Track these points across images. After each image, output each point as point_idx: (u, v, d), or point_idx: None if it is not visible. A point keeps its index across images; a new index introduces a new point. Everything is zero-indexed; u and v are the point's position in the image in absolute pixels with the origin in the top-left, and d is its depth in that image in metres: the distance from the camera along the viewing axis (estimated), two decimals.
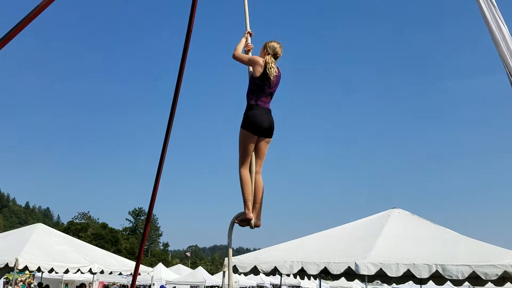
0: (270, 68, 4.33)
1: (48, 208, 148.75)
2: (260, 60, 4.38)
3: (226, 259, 11.00)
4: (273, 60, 4.41)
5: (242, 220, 4.28)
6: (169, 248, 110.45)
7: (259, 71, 4.33)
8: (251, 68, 4.52)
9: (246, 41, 4.71)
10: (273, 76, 4.37)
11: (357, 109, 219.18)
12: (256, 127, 4.29)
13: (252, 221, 4.25)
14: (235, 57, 4.55)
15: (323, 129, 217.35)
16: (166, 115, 5.30)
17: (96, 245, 22.45)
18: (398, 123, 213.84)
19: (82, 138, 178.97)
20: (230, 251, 4.36)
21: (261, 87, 4.33)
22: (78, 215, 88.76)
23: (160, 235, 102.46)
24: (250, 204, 4.27)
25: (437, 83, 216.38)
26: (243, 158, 4.36)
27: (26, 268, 13.36)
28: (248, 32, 4.76)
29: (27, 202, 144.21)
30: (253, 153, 4.42)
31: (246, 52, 4.69)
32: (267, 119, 4.35)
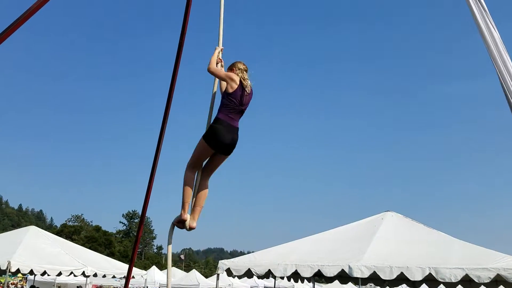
0: (245, 82, 4.45)
1: (41, 210, 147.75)
2: (235, 77, 4.45)
3: (220, 262, 11.01)
4: (247, 77, 4.53)
5: (178, 221, 4.36)
6: (163, 251, 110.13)
7: (233, 87, 4.40)
8: (222, 84, 4.63)
9: (218, 56, 4.81)
10: (247, 93, 4.46)
11: (349, 110, 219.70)
12: (217, 144, 4.33)
13: (187, 222, 4.33)
14: (210, 71, 4.61)
15: (315, 130, 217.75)
16: (161, 114, 5.27)
17: (90, 248, 22.36)
18: (391, 126, 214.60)
19: (76, 139, 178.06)
20: (170, 248, 4.45)
21: (233, 103, 4.38)
22: (71, 218, 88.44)
23: (154, 238, 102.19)
24: (187, 206, 4.36)
25: (429, 85, 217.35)
26: (193, 163, 4.43)
27: (18, 271, 13.29)
28: (221, 48, 4.86)
29: (20, 205, 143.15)
30: (206, 161, 4.52)
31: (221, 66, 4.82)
32: (231, 138, 4.37)
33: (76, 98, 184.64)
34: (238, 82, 4.43)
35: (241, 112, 4.48)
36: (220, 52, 4.86)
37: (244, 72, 4.55)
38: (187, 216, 4.35)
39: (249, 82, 4.51)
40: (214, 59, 4.68)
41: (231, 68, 4.60)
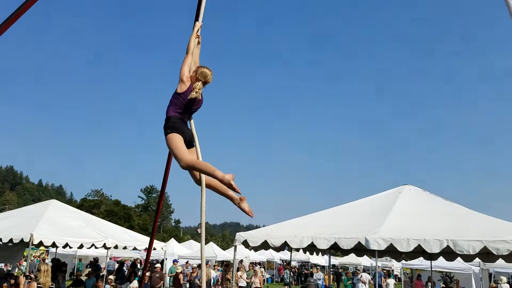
0: (196, 93, 4.27)
1: (61, 185, 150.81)
2: (187, 82, 4.31)
3: (237, 234, 11.15)
4: (201, 86, 4.34)
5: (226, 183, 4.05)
6: (181, 225, 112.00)
7: (182, 89, 4.28)
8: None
9: (197, 32, 4.67)
10: (197, 99, 4.33)
11: (371, 86, 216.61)
12: (182, 131, 4.18)
13: (229, 176, 3.95)
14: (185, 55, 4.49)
15: (336, 106, 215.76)
16: None
17: (110, 222, 22.78)
18: (412, 101, 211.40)
19: (95, 115, 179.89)
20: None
21: (181, 103, 4.26)
22: (91, 193, 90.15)
23: (172, 212, 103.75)
24: (217, 170, 4.00)
25: (454, 59, 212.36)
26: (179, 153, 4.10)
27: (41, 243, 13.63)
28: (200, 24, 4.72)
29: (40, 180, 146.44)
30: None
31: (197, 43, 4.67)
32: (188, 130, 4.29)
33: (97, 72, 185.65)
34: (188, 87, 4.29)
35: (190, 113, 4.38)
36: (199, 29, 4.70)
37: (201, 84, 4.35)
38: (227, 175, 3.96)
39: (200, 92, 4.32)
40: (192, 40, 4.52)
41: (195, 71, 4.40)
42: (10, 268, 23.79)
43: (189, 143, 4.31)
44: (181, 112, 4.28)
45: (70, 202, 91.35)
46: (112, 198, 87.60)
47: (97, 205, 76.84)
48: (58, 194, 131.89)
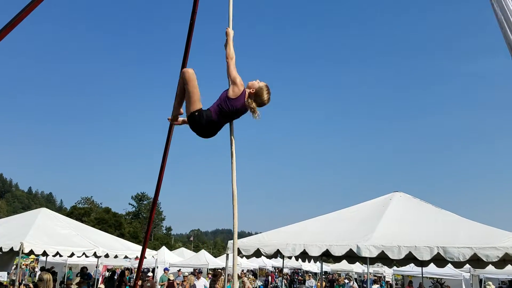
0: (257, 115, 4.17)
1: (51, 193, 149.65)
2: (241, 86, 4.11)
3: (229, 242, 11.13)
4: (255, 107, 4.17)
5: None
6: (172, 232, 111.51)
7: (235, 93, 4.08)
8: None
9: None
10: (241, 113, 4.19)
11: (358, 93, 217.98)
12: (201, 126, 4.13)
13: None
14: (230, 60, 4.24)
15: (325, 112, 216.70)
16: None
17: (100, 230, 22.59)
18: (402, 108, 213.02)
19: (85, 121, 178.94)
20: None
21: (227, 109, 4.09)
22: (81, 200, 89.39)
23: (163, 219, 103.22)
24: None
25: (444, 66, 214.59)
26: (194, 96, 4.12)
27: (31, 252, 13.51)
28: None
29: (30, 187, 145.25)
30: None
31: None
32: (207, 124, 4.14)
33: (88, 80, 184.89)
34: (241, 92, 4.11)
35: (231, 119, 4.20)
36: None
37: (261, 103, 4.20)
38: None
39: (258, 114, 4.18)
40: (231, 46, 4.25)
41: (252, 86, 4.21)
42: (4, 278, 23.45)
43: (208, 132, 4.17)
44: (221, 117, 4.10)
45: (60, 209, 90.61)
46: (102, 206, 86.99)
47: (87, 213, 76.15)
48: (48, 201, 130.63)
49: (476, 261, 9.61)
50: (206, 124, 4.06)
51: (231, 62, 4.20)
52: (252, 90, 4.15)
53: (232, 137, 4.16)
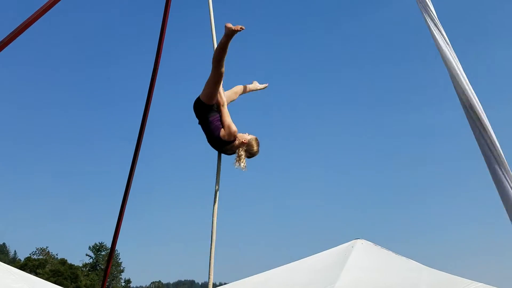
0: (239, 163, 4.59)
1: (4, 243, 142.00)
2: (234, 136, 4.61)
3: None
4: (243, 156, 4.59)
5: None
6: (131, 285, 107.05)
7: (228, 138, 4.59)
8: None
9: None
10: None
11: (320, 138, 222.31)
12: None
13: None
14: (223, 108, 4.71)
15: (283, 155, 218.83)
16: (134, 138, 5.22)
17: (55, 282, 21.58)
18: (362, 156, 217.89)
19: (39, 167, 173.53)
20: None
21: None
22: (36, 251, 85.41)
23: (122, 271, 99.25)
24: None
25: (400, 114, 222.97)
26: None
27: None
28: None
29: None
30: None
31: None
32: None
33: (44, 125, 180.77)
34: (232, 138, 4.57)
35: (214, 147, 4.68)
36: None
37: (250, 155, 4.62)
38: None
39: (243, 162, 4.58)
40: (222, 98, 4.75)
41: (243, 141, 4.62)
42: None
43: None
44: (211, 131, 4.57)
45: (13, 261, 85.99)
46: (58, 257, 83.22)
47: (42, 265, 72.67)
48: (1, 252, 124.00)
49: None
50: (199, 116, 4.51)
51: (224, 109, 4.61)
52: (245, 140, 4.56)
53: (218, 174, 4.40)
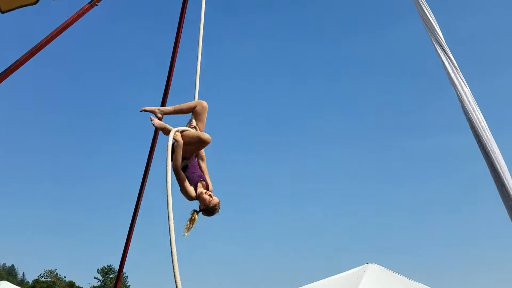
0: (188, 227, 4.77)
1: (13, 265, 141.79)
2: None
3: None
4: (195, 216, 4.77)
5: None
6: None
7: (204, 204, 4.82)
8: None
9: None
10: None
11: (326, 160, 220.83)
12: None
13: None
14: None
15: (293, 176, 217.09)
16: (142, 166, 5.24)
17: None
18: (373, 174, 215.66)
19: (47, 192, 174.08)
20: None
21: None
22: (44, 273, 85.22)
23: None
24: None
25: (407, 140, 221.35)
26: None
27: None
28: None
29: None
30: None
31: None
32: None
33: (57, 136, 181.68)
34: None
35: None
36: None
37: (209, 214, 4.80)
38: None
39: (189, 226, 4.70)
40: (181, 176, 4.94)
41: (206, 196, 4.78)
42: None
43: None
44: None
45: (21, 283, 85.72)
46: (66, 279, 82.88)
47: (50, 287, 72.39)
48: (9, 274, 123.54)
49: None
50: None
51: (186, 183, 4.84)
52: (209, 205, 4.72)
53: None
